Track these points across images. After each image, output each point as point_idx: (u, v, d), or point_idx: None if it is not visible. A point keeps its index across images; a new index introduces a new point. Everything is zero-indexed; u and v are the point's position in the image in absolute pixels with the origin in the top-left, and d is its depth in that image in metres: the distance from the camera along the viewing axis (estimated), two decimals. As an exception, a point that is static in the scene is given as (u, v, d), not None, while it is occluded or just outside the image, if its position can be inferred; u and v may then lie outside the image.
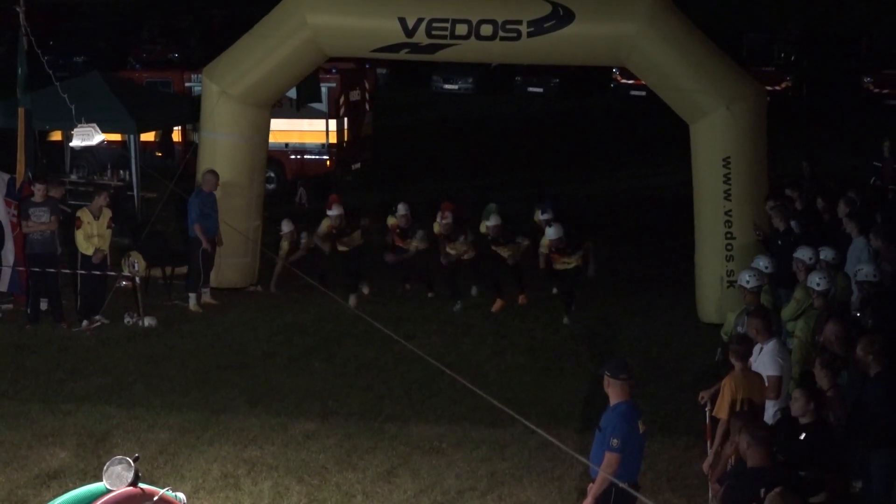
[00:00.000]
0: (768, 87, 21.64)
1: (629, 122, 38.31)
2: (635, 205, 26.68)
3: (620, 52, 18.19)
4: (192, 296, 18.86)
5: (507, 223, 19.44)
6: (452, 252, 19.26)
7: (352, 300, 19.08)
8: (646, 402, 10.10)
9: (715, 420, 11.62)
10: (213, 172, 19.05)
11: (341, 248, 19.90)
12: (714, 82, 17.65)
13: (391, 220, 20.25)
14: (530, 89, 48.70)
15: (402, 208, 20.06)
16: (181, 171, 20.92)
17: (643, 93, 37.37)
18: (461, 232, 19.27)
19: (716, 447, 11.19)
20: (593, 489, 9.76)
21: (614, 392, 9.85)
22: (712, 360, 13.99)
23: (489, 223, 19.12)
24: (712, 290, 17.87)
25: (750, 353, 11.64)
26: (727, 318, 13.52)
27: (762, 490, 8.89)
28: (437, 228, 19.58)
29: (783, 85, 44.91)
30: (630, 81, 44.45)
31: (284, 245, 20.08)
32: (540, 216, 19.57)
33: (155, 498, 9.85)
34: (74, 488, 9.78)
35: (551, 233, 18.23)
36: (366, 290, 19.98)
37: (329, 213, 19.63)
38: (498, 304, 19.11)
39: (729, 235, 17.72)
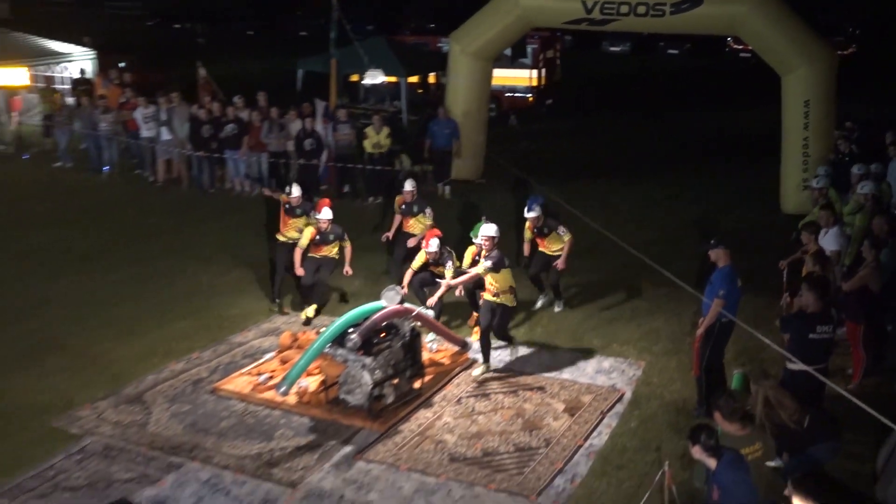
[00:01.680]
0: (839, 52, 20.34)
1: (738, 76, 36.70)
2: (738, 134, 25.67)
3: (734, 26, 17.44)
4: (440, 184, 19.01)
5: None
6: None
7: (305, 314, 12.25)
8: (741, 269, 9.79)
9: (790, 279, 11.30)
10: (443, 106, 19.14)
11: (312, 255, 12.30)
12: (800, 47, 16.88)
13: (398, 198, 13.57)
14: (669, 51, 47.88)
15: (408, 185, 13.33)
16: (434, 102, 21.04)
17: (749, 55, 35.97)
18: (448, 256, 11.61)
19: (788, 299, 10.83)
20: (704, 322, 9.61)
21: (720, 258, 9.62)
22: (789, 239, 13.45)
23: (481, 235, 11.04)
24: (792, 191, 17.30)
25: (818, 233, 11.34)
26: (814, 212, 12.74)
27: (817, 327, 8.58)
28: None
29: (849, 51, 42.83)
30: (740, 47, 43.25)
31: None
32: (526, 214, 12.41)
33: (413, 313, 10.20)
34: (363, 304, 10.21)
35: (483, 266, 10.64)
36: (311, 312, 12.21)
37: (317, 216, 12.14)
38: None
39: (805, 154, 17.05)
